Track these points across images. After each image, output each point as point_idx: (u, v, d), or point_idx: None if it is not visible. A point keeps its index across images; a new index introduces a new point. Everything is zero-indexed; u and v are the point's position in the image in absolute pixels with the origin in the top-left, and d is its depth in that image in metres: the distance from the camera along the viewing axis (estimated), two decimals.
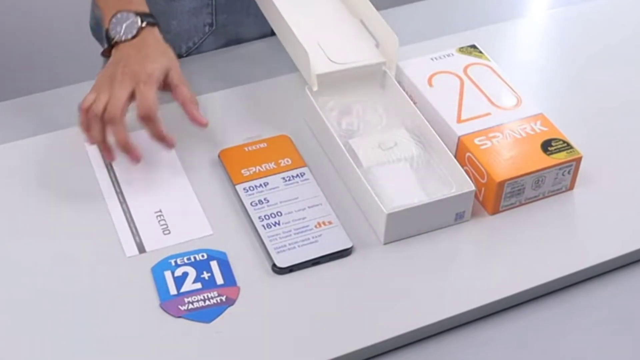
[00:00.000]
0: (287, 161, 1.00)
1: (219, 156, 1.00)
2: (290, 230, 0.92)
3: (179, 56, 1.16)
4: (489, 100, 1.03)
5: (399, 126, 1.02)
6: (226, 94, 1.09)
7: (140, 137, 1.03)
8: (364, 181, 0.93)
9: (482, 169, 0.96)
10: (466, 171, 0.98)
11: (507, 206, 0.97)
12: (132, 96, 0.96)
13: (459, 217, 0.94)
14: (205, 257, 0.91)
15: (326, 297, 0.88)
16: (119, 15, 1.00)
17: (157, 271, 0.89)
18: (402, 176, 0.96)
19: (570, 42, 1.21)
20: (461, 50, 1.10)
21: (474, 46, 1.11)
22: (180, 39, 1.17)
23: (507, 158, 0.96)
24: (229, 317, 0.86)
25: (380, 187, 0.94)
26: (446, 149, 0.97)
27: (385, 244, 0.92)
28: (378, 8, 1.08)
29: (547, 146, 0.98)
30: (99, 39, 1.26)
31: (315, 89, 1.02)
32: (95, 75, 1.31)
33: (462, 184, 0.94)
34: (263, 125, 1.05)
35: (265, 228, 0.93)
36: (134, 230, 0.93)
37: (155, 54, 0.99)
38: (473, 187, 0.93)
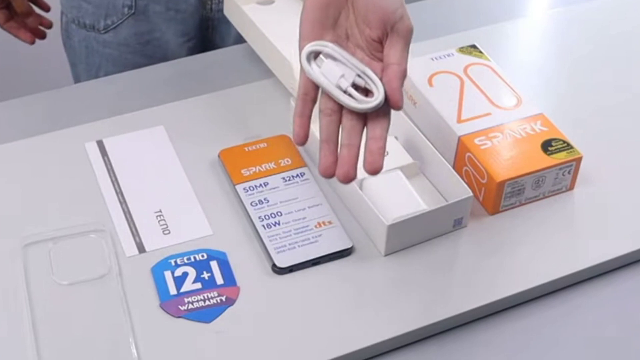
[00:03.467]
0: (287, 161, 1.00)
1: (218, 156, 1.00)
2: (290, 230, 0.92)
3: (97, 31, 1.19)
4: (489, 100, 1.03)
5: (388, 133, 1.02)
6: (226, 94, 1.09)
7: (138, 137, 1.03)
8: (360, 193, 0.92)
9: (482, 169, 0.96)
10: (466, 171, 0.98)
11: (507, 206, 0.97)
12: None
13: (457, 224, 0.94)
14: (205, 257, 0.91)
15: (326, 297, 0.88)
16: None
17: (157, 271, 0.89)
18: (398, 186, 0.95)
19: (570, 42, 1.21)
20: (461, 50, 1.10)
21: (474, 46, 1.11)
22: (99, 14, 1.18)
23: (507, 158, 0.96)
24: (229, 317, 0.86)
25: (377, 199, 0.93)
26: (438, 153, 0.97)
27: (385, 255, 0.92)
28: None
29: (547, 146, 0.98)
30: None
31: None
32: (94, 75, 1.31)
33: (459, 189, 0.93)
34: (263, 125, 1.05)
35: (265, 228, 0.93)
36: (134, 230, 0.93)
37: None
38: (470, 193, 0.93)
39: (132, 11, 1.17)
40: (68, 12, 1.21)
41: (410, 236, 0.92)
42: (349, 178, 0.72)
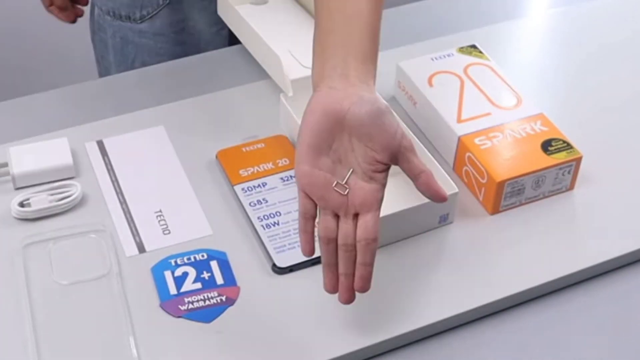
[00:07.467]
0: (285, 161, 1.00)
1: (216, 157, 1.00)
2: (289, 230, 0.92)
3: (133, 21, 1.22)
4: (489, 100, 1.03)
5: None
6: (224, 95, 1.09)
7: (138, 137, 1.03)
8: None
9: (482, 169, 0.96)
10: (466, 171, 0.98)
11: (507, 206, 0.97)
12: None
13: (443, 220, 0.94)
14: (205, 257, 0.91)
15: (326, 297, 0.88)
16: None
17: (157, 271, 0.89)
18: None
19: (570, 42, 1.21)
20: (461, 50, 1.10)
21: (474, 46, 1.11)
22: (135, 5, 1.20)
23: (507, 158, 0.96)
24: (229, 317, 0.86)
25: None
26: (425, 150, 0.97)
27: None
28: None
29: (547, 146, 0.98)
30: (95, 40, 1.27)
31: (290, 94, 1.02)
32: (95, 75, 1.31)
33: (445, 186, 0.93)
34: (260, 126, 1.05)
35: (264, 228, 0.93)
36: (133, 230, 0.93)
37: None
38: (456, 189, 0.93)
39: (167, 1, 1.20)
40: (103, 4, 1.24)
41: (393, 232, 0.91)
42: (350, 301, 0.82)
